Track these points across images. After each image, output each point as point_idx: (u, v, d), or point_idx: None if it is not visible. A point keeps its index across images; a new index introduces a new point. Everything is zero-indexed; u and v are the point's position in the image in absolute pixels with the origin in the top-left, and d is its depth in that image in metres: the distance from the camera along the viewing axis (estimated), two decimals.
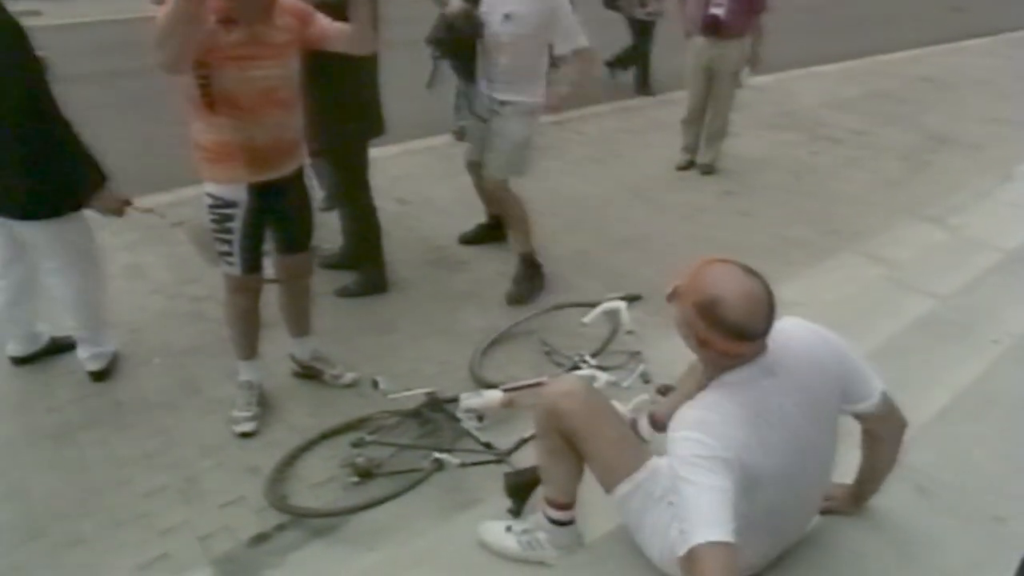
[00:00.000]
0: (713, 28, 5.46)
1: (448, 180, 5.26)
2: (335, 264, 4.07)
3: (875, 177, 5.94)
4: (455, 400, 2.94)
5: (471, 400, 2.89)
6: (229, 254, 2.75)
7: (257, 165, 2.62)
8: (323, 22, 2.68)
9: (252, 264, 2.80)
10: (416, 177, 5.49)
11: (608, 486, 2.01)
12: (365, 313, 3.76)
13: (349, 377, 3.20)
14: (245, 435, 2.88)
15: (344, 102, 3.44)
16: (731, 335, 1.63)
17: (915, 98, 8.37)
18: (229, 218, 2.67)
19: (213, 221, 2.69)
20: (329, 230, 4.10)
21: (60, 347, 3.30)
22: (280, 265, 3.03)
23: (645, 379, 3.04)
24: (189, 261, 3.99)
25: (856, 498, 2.13)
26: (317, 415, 3.01)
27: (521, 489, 2.40)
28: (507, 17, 3.52)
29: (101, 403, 3.06)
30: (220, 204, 2.65)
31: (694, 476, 1.56)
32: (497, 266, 4.23)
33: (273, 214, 2.79)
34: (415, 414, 2.92)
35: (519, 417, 2.84)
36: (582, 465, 2.08)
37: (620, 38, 8.01)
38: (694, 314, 1.66)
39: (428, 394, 2.97)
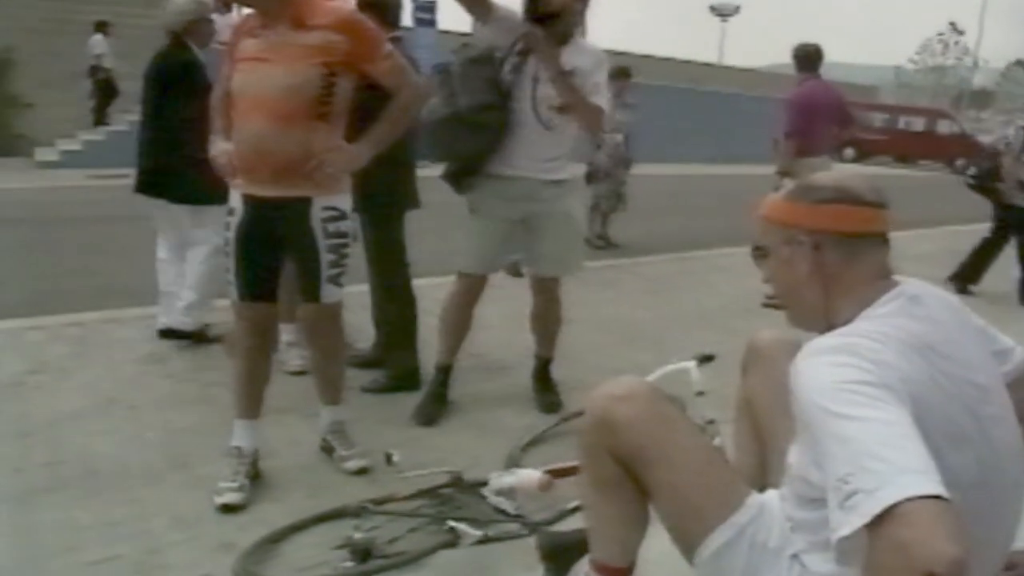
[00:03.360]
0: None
1: (493, 303, 4.99)
2: (367, 363, 3.71)
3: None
4: (484, 483, 2.44)
5: (503, 479, 2.38)
6: (228, 271, 2.55)
7: (246, 174, 2.44)
8: (387, 63, 2.51)
9: (252, 290, 2.51)
10: None
11: (690, 538, 1.42)
12: (392, 405, 3.33)
13: (354, 464, 2.71)
14: (227, 508, 2.40)
15: (393, 162, 3.11)
16: (867, 203, 1.33)
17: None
18: (227, 227, 2.53)
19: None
20: (362, 332, 3.85)
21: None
22: (300, 316, 2.83)
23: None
24: (212, 354, 3.75)
25: None
26: (317, 498, 2.53)
27: (560, 553, 1.84)
28: (571, 74, 2.97)
29: (74, 470, 2.64)
30: (227, 211, 2.55)
31: (855, 409, 1.06)
32: None
33: (272, 240, 2.52)
34: (434, 494, 2.42)
35: (563, 498, 2.32)
36: (646, 506, 1.51)
37: None
38: (810, 207, 1.37)
39: (450, 473, 2.48)
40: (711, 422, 2.47)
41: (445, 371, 3.35)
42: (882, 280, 1.35)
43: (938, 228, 9.54)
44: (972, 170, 6.21)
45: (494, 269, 3.35)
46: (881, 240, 1.38)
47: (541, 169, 3.10)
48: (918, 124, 26.62)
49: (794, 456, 1.35)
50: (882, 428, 1.03)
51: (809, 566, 1.30)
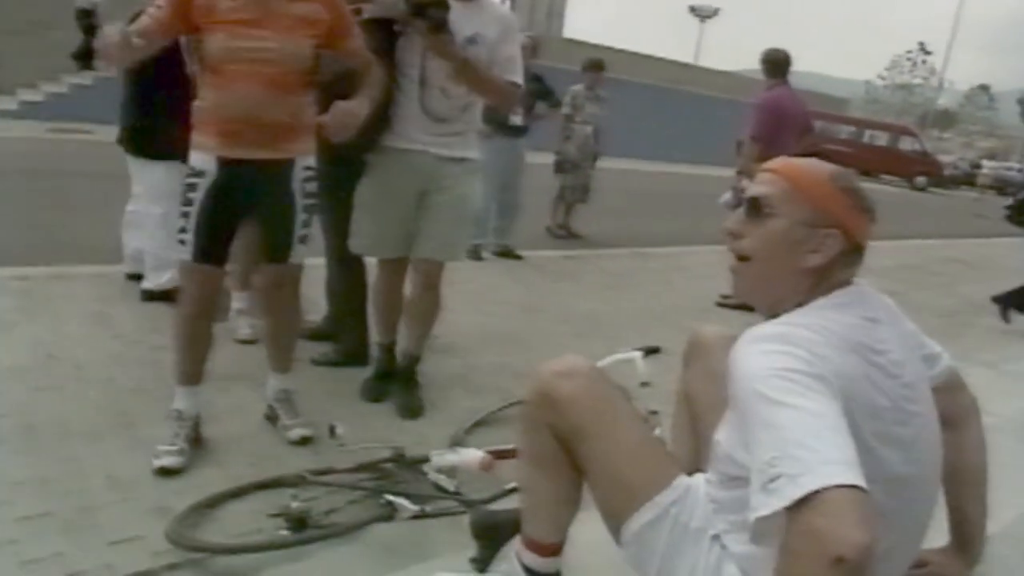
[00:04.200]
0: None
1: (450, 285, 5.00)
2: (317, 335, 3.69)
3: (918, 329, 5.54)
4: (425, 460, 2.45)
5: (445, 457, 2.39)
6: (183, 230, 2.44)
7: (227, 138, 2.38)
8: (357, 40, 2.57)
9: (207, 252, 2.46)
10: None
11: (618, 515, 1.45)
12: (340, 381, 3.31)
13: (297, 433, 2.68)
14: (164, 471, 2.37)
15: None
16: (869, 212, 1.35)
17: (948, 272, 8.19)
18: (192, 188, 2.42)
19: (182, 192, 2.46)
20: (314, 305, 3.80)
21: None
22: (260, 280, 2.77)
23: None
24: (161, 316, 3.70)
25: (961, 549, 1.54)
26: (258, 466, 2.51)
27: (492, 531, 1.86)
28: (471, 41, 2.80)
29: (11, 424, 2.59)
30: (190, 172, 2.44)
31: (788, 397, 1.08)
32: (491, 355, 3.85)
33: (245, 203, 2.50)
34: (374, 468, 2.42)
35: (504, 480, 2.34)
36: (580, 485, 1.54)
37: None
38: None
39: (393, 448, 2.49)
40: (653, 412, 2.50)
41: (386, 349, 3.28)
42: (845, 285, 1.37)
43: (896, 242, 9.75)
44: (1009, 201, 6.50)
45: (398, 252, 3.06)
46: (860, 258, 1.40)
47: (439, 143, 2.92)
48: (882, 139, 27.16)
49: (722, 435, 1.37)
50: (811, 418, 1.06)
51: (728, 546, 1.34)
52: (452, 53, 2.73)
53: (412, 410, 3.06)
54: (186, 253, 2.46)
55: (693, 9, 51.65)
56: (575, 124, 7.26)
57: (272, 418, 2.79)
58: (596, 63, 7.24)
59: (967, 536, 1.54)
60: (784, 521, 1.01)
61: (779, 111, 5.32)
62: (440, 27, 2.64)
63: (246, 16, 2.29)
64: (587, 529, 1.64)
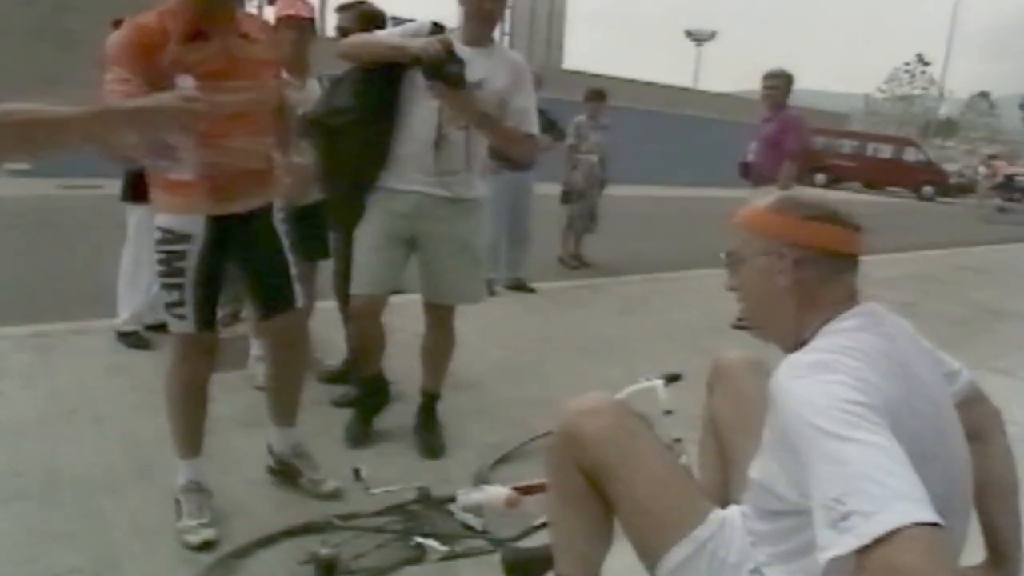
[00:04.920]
0: (745, 173, 5.51)
1: (467, 319, 5.00)
2: (333, 377, 3.70)
3: (932, 339, 5.49)
4: (452, 499, 2.44)
5: (471, 496, 2.38)
6: (179, 304, 2.30)
7: (218, 195, 2.28)
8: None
9: (208, 318, 2.38)
10: None
11: (653, 552, 1.43)
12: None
13: (331, 486, 2.61)
14: (207, 545, 2.25)
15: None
16: (849, 225, 1.37)
17: (959, 280, 8.15)
18: (181, 256, 2.28)
19: (161, 262, 2.30)
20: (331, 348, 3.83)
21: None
22: (265, 332, 2.64)
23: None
24: None
25: (997, 564, 1.50)
26: (283, 512, 2.49)
27: (524, 568, 1.85)
28: (476, 86, 2.72)
29: (35, 479, 2.59)
30: (171, 238, 2.27)
31: (850, 431, 1.05)
32: (510, 389, 3.84)
33: (237, 257, 2.41)
34: (401, 510, 2.40)
35: (530, 515, 2.31)
36: (611, 522, 1.53)
37: None
38: (798, 222, 1.38)
39: (418, 489, 2.48)
40: (677, 440, 2.47)
41: (375, 380, 3.19)
42: (848, 301, 1.38)
43: (904, 254, 9.72)
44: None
45: (385, 291, 2.97)
46: (854, 263, 1.41)
47: (436, 184, 2.85)
48: (886, 152, 27.15)
49: (757, 470, 1.36)
50: (877, 452, 1.03)
51: None
52: (473, 109, 2.70)
53: (433, 449, 3.04)
54: (188, 326, 2.33)
55: (690, 33, 52.14)
56: (580, 154, 7.31)
57: (284, 473, 2.69)
58: (597, 92, 7.30)
59: (1002, 550, 1.51)
60: (856, 561, 0.98)
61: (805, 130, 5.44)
62: (460, 82, 2.60)
63: (216, 67, 2.17)
64: (619, 560, 1.62)
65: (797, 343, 1.36)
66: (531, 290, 6.21)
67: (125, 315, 4.12)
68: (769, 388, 1.25)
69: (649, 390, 2.61)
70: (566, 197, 7.47)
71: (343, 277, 3.40)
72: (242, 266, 2.47)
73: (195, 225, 2.28)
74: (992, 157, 27.42)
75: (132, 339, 4.07)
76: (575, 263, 7.72)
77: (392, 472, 2.75)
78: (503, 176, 5.95)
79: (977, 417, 1.48)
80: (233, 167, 2.30)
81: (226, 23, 2.24)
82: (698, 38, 51.56)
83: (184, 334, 2.36)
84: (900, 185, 26.47)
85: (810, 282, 1.37)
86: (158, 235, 2.30)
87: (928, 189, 25.83)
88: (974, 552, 1.52)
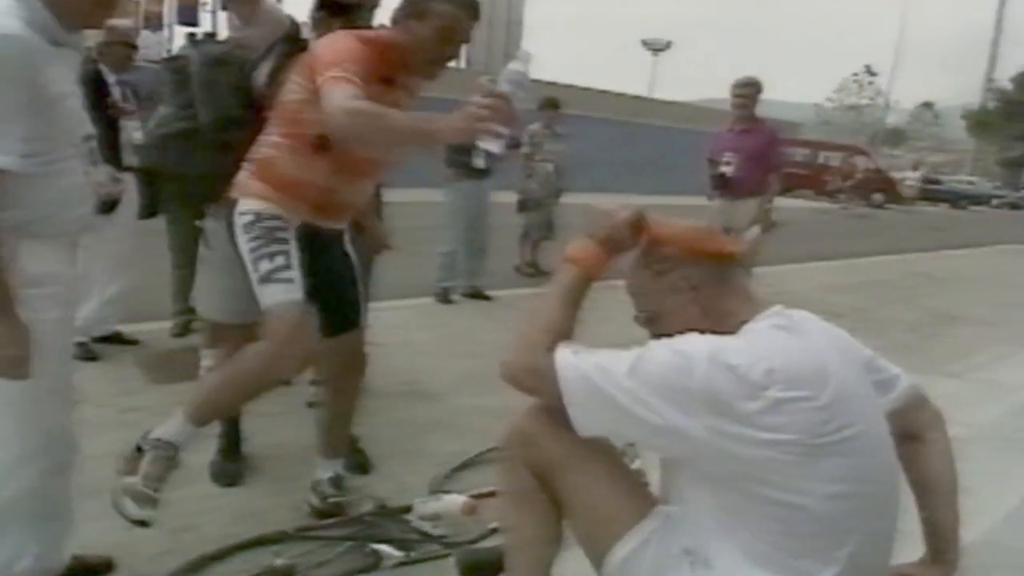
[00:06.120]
0: (722, 186, 5.41)
1: (426, 329, 5.02)
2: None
3: (884, 344, 5.65)
4: (408, 509, 2.43)
5: (428, 505, 2.38)
6: (286, 267, 2.12)
7: (318, 212, 2.27)
8: None
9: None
10: (395, 327, 5.20)
11: (599, 548, 1.46)
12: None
13: (371, 502, 2.51)
14: (142, 524, 2.12)
15: None
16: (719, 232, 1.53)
17: (913, 286, 8.37)
18: (283, 229, 2.17)
19: (259, 237, 2.14)
20: None
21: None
22: (329, 352, 2.43)
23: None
24: (128, 378, 3.66)
25: (936, 560, 1.54)
26: (238, 524, 2.47)
27: (478, 569, 1.86)
28: None
29: None
30: (270, 217, 2.18)
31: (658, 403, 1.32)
32: (469, 398, 3.83)
33: (315, 267, 2.26)
34: (357, 520, 2.39)
35: (487, 522, 2.32)
36: (560, 523, 1.55)
37: None
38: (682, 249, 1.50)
39: (374, 499, 2.47)
40: (631, 444, 2.50)
41: (234, 423, 2.86)
42: (749, 303, 1.47)
43: (857, 260, 9.98)
44: None
45: (244, 317, 2.45)
46: (739, 265, 1.52)
47: None
48: (836, 160, 27.69)
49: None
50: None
51: (711, 560, 1.36)
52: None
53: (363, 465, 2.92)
54: (296, 291, 2.12)
55: (645, 43, 52.82)
56: (536, 162, 7.36)
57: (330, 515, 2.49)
58: (551, 101, 7.36)
59: (941, 546, 1.56)
60: None
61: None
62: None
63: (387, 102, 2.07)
64: (570, 568, 1.64)
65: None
66: (488, 298, 6.24)
67: None
68: None
69: None
70: (522, 206, 7.52)
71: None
72: (318, 278, 2.29)
73: (292, 218, 2.23)
74: (856, 152, 27.46)
75: (80, 351, 3.99)
76: (531, 271, 7.76)
77: (348, 483, 2.73)
78: (461, 185, 5.99)
79: (918, 419, 1.55)
80: (344, 200, 2.32)
81: (410, 77, 2.26)
82: (654, 47, 52.26)
83: (292, 302, 2.11)
84: (851, 193, 27.02)
85: (709, 292, 1.47)
86: (251, 217, 2.17)
87: (878, 196, 26.47)
88: (915, 548, 1.58)
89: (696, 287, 1.48)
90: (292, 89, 2.16)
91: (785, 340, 1.35)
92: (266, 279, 2.12)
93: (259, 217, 2.17)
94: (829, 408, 1.27)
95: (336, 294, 2.41)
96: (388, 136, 1.97)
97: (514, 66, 1.96)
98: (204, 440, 2.94)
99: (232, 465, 2.82)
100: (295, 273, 2.14)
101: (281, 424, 3.24)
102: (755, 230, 5.47)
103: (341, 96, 1.88)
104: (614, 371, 1.34)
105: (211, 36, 2.64)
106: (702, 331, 1.40)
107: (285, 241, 2.16)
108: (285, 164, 2.20)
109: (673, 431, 1.29)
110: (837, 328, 1.51)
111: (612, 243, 1.56)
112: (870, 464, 1.34)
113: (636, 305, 1.61)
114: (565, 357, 1.41)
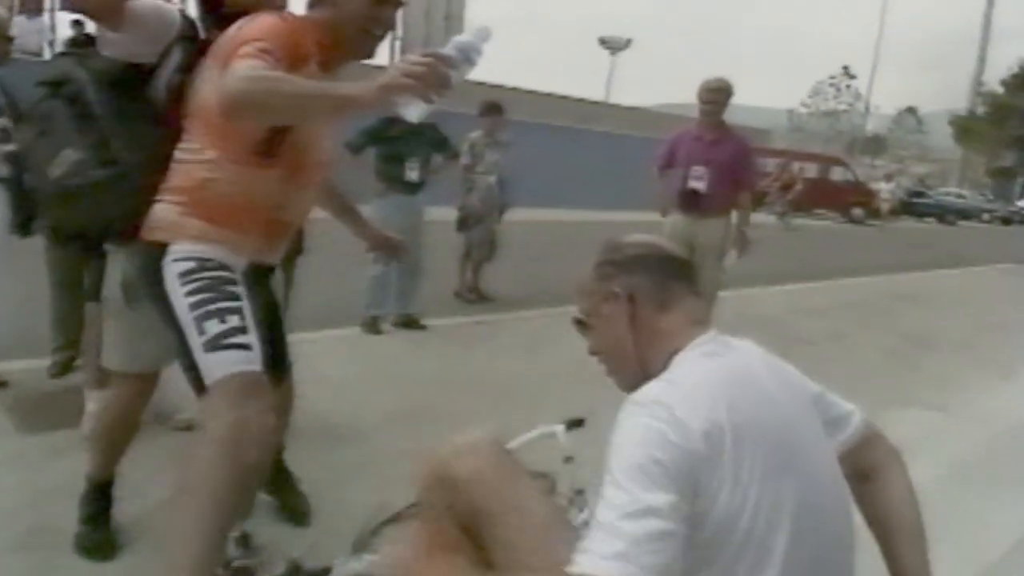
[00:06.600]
0: (692, 203, 5.46)
1: (347, 362, 5.01)
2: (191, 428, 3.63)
3: (857, 370, 5.83)
4: (327, 571, 2.42)
5: (349, 566, 2.37)
6: (242, 330, 2.00)
7: (266, 239, 2.25)
8: None
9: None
10: (316, 360, 5.16)
11: None
12: None
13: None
14: None
15: None
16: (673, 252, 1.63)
17: (890, 309, 8.64)
18: (231, 281, 2.07)
19: (205, 289, 2.01)
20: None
21: None
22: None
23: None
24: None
25: None
26: None
27: None
28: None
29: None
30: (214, 265, 2.07)
31: (637, 490, 1.26)
32: (398, 440, 3.82)
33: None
34: None
35: None
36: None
37: None
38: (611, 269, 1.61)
39: (288, 560, 2.45)
40: (579, 492, 2.52)
41: (104, 487, 2.70)
42: (694, 327, 1.53)
43: (833, 280, 10.26)
44: None
45: (155, 365, 2.54)
46: (688, 287, 1.59)
47: None
48: (811, 171, 27.68)
49: None
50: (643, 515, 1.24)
51: None
52: None
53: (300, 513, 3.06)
54: (254, 360, 2.00)
55: (603, 41, 53.64)
56: (476, 175, 7.35)
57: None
58: (493, 106, 7.36)
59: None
60: None
61: None
62: None
63: None
64: None
65: (647, 380, 1.46)
66: (422, 327, 6.23)
67: None
68: None
69: (550, 435, 2.66)
70: (462, 223, 7.53)
71: None
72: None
73: (239, 261, 2.16)
74: (833, 162, 27.91)
75: None
76: (473, 296, 7.78)
77: (258, 543, 2.70)
78: (390, 199, 5.99)
79: (873, 456, 1.63)
80: (291, 218, 2.31)
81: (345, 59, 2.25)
82: (612, 46, 53.06)
83: (247, 374, 1.98)
84: (827, 207, 27.22)
85: (648, 315, 1.53)
86: (191, 265, 2.04)
87: (858, 211, 26.91)
88: None
89: (637, 315, 1.55)
90: (212, 92, 1.97)
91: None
92: (215, 345, 1.96)
93: (202, 265, 2.05)
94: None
95: (276, 339, 2.42)
96: (293, 102, 1.84)
97: (466, 36, 1.91)
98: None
99: (102, 534, 2.66)
100: (252, 338, 2.01)
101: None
102: (732, 255, 5.59)
103: (243, 68, 1.81)
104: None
105: (91, 38, 2.35)
106: (631, 366, 1.50)
107: (236, 297, 2.04)
108: (227, 184, 2.10)
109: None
110: (781, 365, 1.58)
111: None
112: (812, 485, 1.40)
113: (590, 340, 1.71)
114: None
